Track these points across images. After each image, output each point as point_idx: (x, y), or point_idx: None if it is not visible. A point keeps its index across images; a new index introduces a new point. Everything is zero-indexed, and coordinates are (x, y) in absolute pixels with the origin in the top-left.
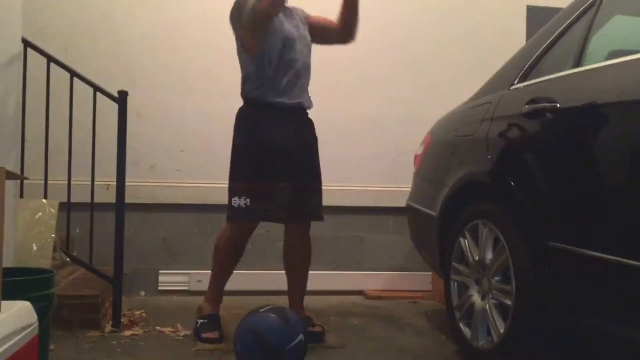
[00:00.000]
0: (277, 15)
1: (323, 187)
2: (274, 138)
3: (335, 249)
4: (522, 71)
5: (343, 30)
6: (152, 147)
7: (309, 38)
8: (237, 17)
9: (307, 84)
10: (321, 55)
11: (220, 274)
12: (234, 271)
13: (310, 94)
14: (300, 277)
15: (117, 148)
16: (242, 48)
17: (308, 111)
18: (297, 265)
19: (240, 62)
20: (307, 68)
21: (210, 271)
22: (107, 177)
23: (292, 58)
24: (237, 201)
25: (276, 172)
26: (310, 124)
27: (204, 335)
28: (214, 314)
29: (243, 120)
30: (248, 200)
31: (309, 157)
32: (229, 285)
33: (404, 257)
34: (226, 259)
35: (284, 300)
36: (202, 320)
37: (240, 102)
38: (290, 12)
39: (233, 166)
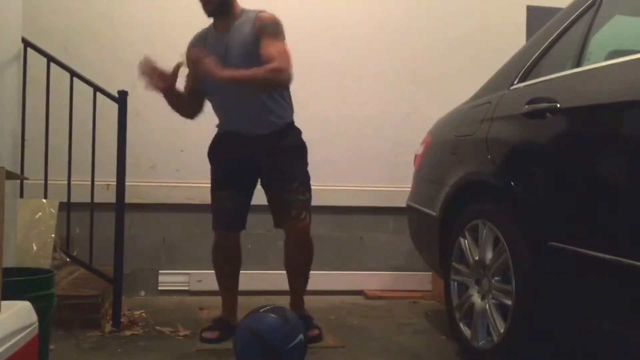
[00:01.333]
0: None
1: (323, 187)
2: (228, 157)
3: (335, 249)
4: (522, 71)
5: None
6: (152, 147)
7: (246, 52)
8: None
9: (252, 113)
10: (321, 55)
11: (219, 282)
12: None
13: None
14: (298, 277)
15: (117, 148)
16: None
17: (270, 132)
18: (294, 266)
19: None
20: (241, 100)
21: (208, 271)
22: (107, 177)
23: (216, 95)
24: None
25: (229, 184)
26: (276, 138)
27: (203, 334)
28: (220, 317)
29: (211, 144)
30: (217, 210)
31: (273, 167)
32: None
33: (404, 257)
34: (217, 269)
35: (284, 300)
36: (210, 323)
37: None
38: (234, 26)
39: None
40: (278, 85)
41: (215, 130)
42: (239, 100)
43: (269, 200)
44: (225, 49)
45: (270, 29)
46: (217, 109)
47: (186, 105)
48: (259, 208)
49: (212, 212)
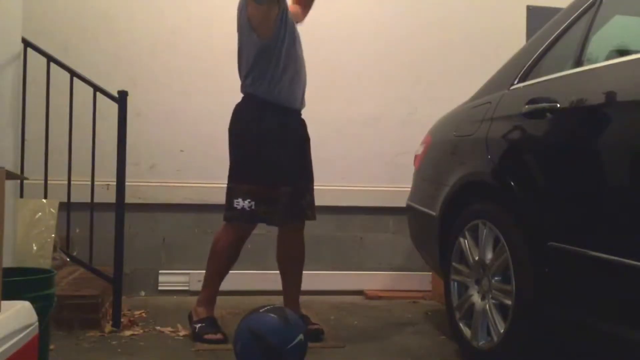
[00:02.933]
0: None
1: (323, 188)
2: (279, 140)
3: (335, 249)
4: (522, 71)
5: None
6: (152, 147)
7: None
8: None
9: (305, 86)
10: (321, 55)
11: (217, 276)
12: (235, 271)
13: (307, 98)
14: (296, 277)
15: (117, 148)
16: (251, 32)
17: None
18: (292, 266)
19: (243, 54)
20: (304, 72)
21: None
22: (107, 177)
23: (298, 55)
24: (240, 203)
25: (280, 175)
26: (304, 124)
27: (206, 337)
28: (210, 317)
29: (244, 119)
30: (253, 203)
31: (306, 159)
32: (228, 285)
33: (404, 257)
34: (224, 262)
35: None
36: (200, 324)
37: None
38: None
39: (236, 167)
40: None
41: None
42: (303, 75)
43: (288, 195)
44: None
45: None
46: (280, 79)
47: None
48: None
49: (253, 206)
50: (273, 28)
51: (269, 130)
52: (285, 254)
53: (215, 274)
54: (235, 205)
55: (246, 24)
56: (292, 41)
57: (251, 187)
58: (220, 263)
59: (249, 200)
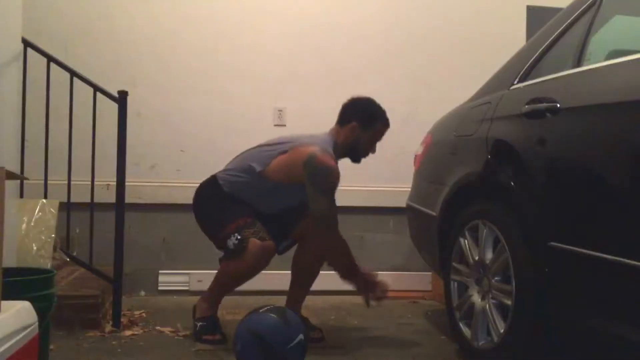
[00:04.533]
0: None
1: None
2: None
3: None
4: (522, 71)
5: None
6: (152, 147)
7: None
8: (317, 182)
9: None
10: (322, 56)
11: (228, 289)
12: None
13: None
14: (305, 284)
15: (117, 148)
16: (267, 174)
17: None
18: (303, 275)
19: (245, 166)
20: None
21: (208, 271)
22: (107, 177)
23: (286, 207)
24: (231, 242)
25: (249, 208)
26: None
27: (205, 337)
28: (212, 316)
29: (207, 195)
30: (237, 234)
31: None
32: None
33: (404, 257)
34: (233, 285)
35: (284, 301)
36: (201, 323)
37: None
38: None
39: (214, 226)
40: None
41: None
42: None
43: (281, 219)
44: None
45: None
46: (250, 200)
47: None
48: None
49: (238, 236)
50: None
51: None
52: (298, 260)
53: (225, 290)
54: (229, 245)
55: (271, 172)
56: (283, 193)
57: (230, 226)
58: (235, 281)
59: (235, 235)
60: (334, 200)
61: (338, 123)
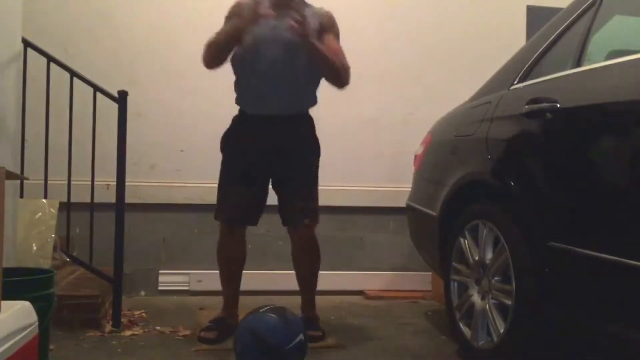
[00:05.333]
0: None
1: (323, 188)
2: (239, 145)
3: (335, 249)
4: (522, 71)
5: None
6: (152, 147)
7: (294, 40)
8: None
9: (289, 88)
10: None
11: (223, 280)
12: None
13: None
14: (305, 278)
15: (117, 148)
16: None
17: (297, 113)
18: (300, 268)
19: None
20: (283, 73)
21: (209, 271)
22: (107, 177)
23: (256, 63)
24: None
25: (236, 176)
26: (298, 124)
27: (201, 334)
28: (220, 316)
29: (228, 128)
30: (218, 199)
31: (289, 161)
32: None
33: (404, 257)
34: (221, 265)
35: (284, 300)
36: (209, 323)
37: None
38: (284, 11)
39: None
40: (338, 79)
41: (227, 120)
42: (279, 77)
43: (280, 200)
44: (276, 28)
45: (337, 30)
46: (248, 86)
47: (224, 55)
48: None
49: (218, 202)
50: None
51: (235, 137)
52: (293, 256)
53: (220, 277)
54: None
55: None
56: (251, 51)
57: (219, 183)
58: (219, 267)
59: (223, 200)
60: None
61: None
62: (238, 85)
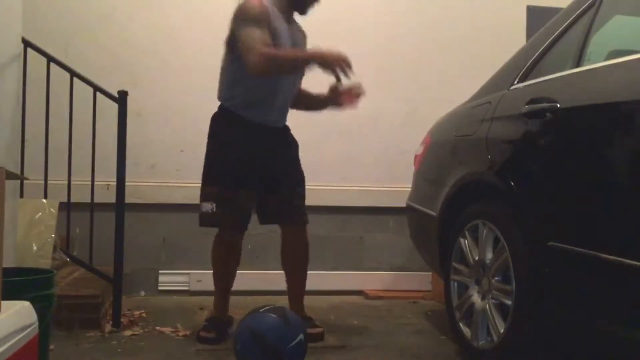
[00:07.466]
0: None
1: (323, 188)
2: (246, 151)
3: (335, 249)
4: (522, 71)
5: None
6: (152, 147)
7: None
8: (238, 23)
9: (289, 103)
10: None
11: (218, 280)
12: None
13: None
14: (296, 278)
15: (117, 148)
16: (233, 48)
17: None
18: (292, 267)
19: (225, 62)
20: (292, 92)
21: (209, 271)
22: (107, 177)
23: (277, 82)
24: (206, 206)
25: (238, 177)
26: (286, 131)
27: (201, 333)
28: (217, 315)
29: (216, 126)
30: (214, 205)
31: (284, 165)
32: None
33: (404, 257)
34: (218, 267)
35: (284, 300)
36: (205, 323)
37: None
38: (293, 21)
39: (204, 171)
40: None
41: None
42: (289, 95)
43: (273, 200)
44: (292, 41)
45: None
46: (257, 97)
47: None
48: None
49: (214, 208)
50: None
51: (234, 137)
52: (284, 255)
53: (216, 278)
54: (202, 209)
55: (232, 38)
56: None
57: (212, 189)
58: (216, 270)
59: (210, 202)
60: (252, 28)
61: None
62: (243, 93)
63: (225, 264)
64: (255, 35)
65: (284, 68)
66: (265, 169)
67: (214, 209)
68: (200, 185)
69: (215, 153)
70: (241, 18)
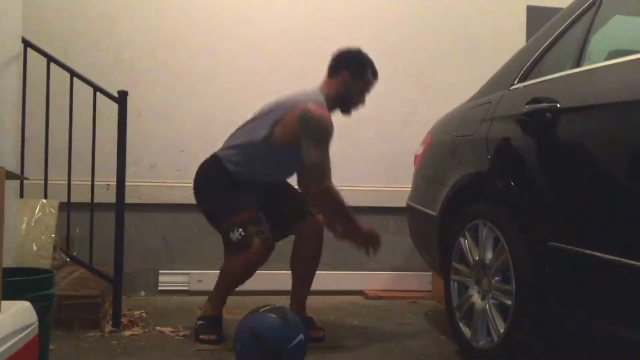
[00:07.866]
0: None
1: None
2: (246, 183)
3: (335, 249)
4: (522, 71)
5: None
6: (152, 147)
7: None
8: (312, 134)
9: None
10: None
11: (229, 286)
12: None
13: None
14: (303, 281)
15: (117, 148)
16: (287, 139)
17: None
18: (301, 269)
19: (258, 137)
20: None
21: (209, 271)
22: (107, 177)
23: (288, 163)
24: (234, 235)
25: (251, 201)
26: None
27: (201, 336)
28: (214, 315)
29: (214, 174)
30: (241, 229)
31: (285, 200)
32: None
33: (404, 257)
34: (237, 277)
35: (284, 300)
36: (201, 322)
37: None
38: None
39: (215, 212)
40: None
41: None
42: (289, 174)
43: (287, 203)
44: None
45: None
46: (263, 175)
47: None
48: None
49: (242, 232)
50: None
51: (236, 183)
52: (298, 253)
53: (227, 287)
54: (233, 240)
55: (291, 136)
56: (290, 157)
57: (231, 220)
58: (232, 279)
59: (235, 230)
60: (327, 153)
61: (328, 75)
62: (254, 169)
63: (245, 278)
64: (328, 161)
65: (328, 209)
66: (264, 192)
67: (242, 232)
68: (217, 226)
69: (218, 191)
70: (319, 134)
